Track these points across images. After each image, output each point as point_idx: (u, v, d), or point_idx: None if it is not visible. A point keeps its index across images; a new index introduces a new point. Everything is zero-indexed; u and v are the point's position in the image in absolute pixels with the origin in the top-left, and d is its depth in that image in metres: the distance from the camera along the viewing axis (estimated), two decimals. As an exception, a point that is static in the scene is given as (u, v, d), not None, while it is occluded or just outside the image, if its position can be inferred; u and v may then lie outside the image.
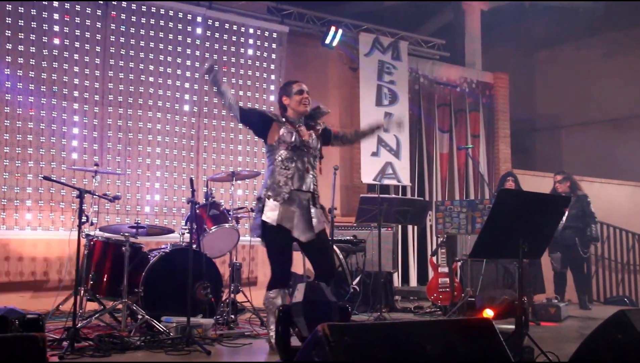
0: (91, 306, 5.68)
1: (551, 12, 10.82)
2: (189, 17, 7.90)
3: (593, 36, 11.58)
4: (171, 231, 6.05)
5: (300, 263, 5.61)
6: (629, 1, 10.15)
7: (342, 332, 2.33)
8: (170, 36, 7.74)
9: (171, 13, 7.77)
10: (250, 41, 8.35)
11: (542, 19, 11.12)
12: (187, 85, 7.80)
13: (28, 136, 6.80)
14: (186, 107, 7.78)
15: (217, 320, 5.31)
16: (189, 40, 7.87)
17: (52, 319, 5.49)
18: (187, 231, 5.47)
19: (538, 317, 6.33)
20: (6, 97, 6.72)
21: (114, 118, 7.32)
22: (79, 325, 4.58)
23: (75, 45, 7.15)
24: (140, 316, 5.01)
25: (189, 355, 4.30)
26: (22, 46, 6.84)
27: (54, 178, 5.86)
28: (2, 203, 6.63)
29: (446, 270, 6.70)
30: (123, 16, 7.45)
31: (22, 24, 6.85)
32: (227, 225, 5.74)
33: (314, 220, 4.48)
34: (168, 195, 7.59)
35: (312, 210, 4.49)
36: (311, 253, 4.55)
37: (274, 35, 8.56)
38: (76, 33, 7.16)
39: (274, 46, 8.55)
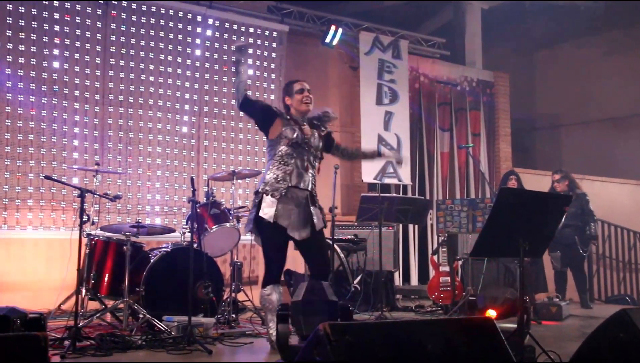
0: (92, 305, 5.69)
1: (551, 11, 10.81)
2: (189, 16, 7.90)
3: (593, 35, 11.58)
4: (172, 231, 6.06)
5: (301, 263, 5.61)
6: (629, 1, 10.13)
7: (343, 331, 2.33)
8: (171, 36, 7.74)
9: (171, 12, 7.78)
10: (251, 40, 8.35)
11: (542, 18, 11.11)
12: (187, 84, 7.80)
13: (29, 135, 6.80)
14: (187, 107, 7.78)
15: (218, 319, 5.31)
16: (189, 39, 7.87)
17: (54, 318, 5.50)
18: (188, 230, 5.47)
19: (539, 316, 6.33)
20: (7, 97, 6.73)
21: (115, 117, 7.33)
22: (81, 324, 4.59)
23: (76, 44, 7.15)
24: (141, 316, 5.02)
25: (190, 354, 4.30)
26: (22, 46, 6.84)
27: (55, 178, 5.86)
28: (4, 202, 6.63)
29: (447, 269, 6.70)
30: (123, 16, 7.45)
31: (23, 23, 6.86)
32: (228, 224, 5.74)
33: (315, 218, 4.48)
34: (169, 194, 7.59)
35: (312, 209, 4.48)
36: (307, 252, 4.55)
37: (274, 34, 8.57)
38: (77, 33, 7.16)
39: (274, 45, 8.55)
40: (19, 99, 6.79)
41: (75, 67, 7.13)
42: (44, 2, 6.98)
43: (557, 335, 5.46)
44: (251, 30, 8.38)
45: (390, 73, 9.43)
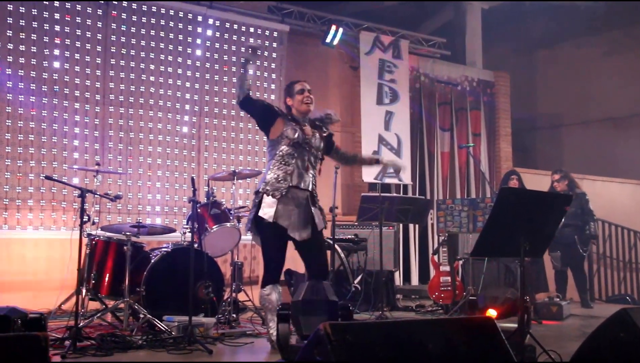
0: (93, 305, 5.69)
1: (551, 11, 10.81)
2: (190, 16, 7.90)
3: (593, 35, 11.57)
4: (172, 231, 6.06)
5: (301, 262, 5.60)
6: (629, 1, 10.13)
7: (343, 330, 2.33)
8: (171, 36, 7.74)
9: (172, 12, 7.78)
10: (251, 40, 8.35)
11: (542, 18, 11.12)
12: (187, 84, 7.80)
13: (30, 135, 6.80)
14: (187, 107, 7.78)
15: (218, 319, 5.32)
16: (189, 39, 7.87)
17: (54, 318, 5.50)
18: (189, 230, 5.47)
19: (540, 316, 6.33)
20: (7, 97, 6.73)
21: (115, 118, 7.33)
22: (81, 324, 4.59)
23: (76, 45, 7.15)
24: (142, 316, 5.02)
25: (191, 354, 4.31)
26: (23, 46, 6.84)
27: (56, 178, 5.86)
28: (4, 202, 6.64)
29: (448, 268, 6.70)
30: (124, 16, 7.45)
31: (23, 23, 6.86)
32: (228, 224, 5.74)
33: (316, 219, 4.47)
34: (169, 194, 7.59)
35: (312, 210, 4.48)
36: (305, 252, 4.53)
37: (275, 34, 8.56)
38: (77, 33, 7.16)
39: (274, 45, 8.55)
40: (20, 99, 6.79)
41: (76, 67, 7.13)
42: (45, 2, 6.98)
43: (558, 334, 5.46)
44: (251, 30, 8.38)
45: (391, 73, 9.43)
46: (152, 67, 7.59)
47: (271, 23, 8.59)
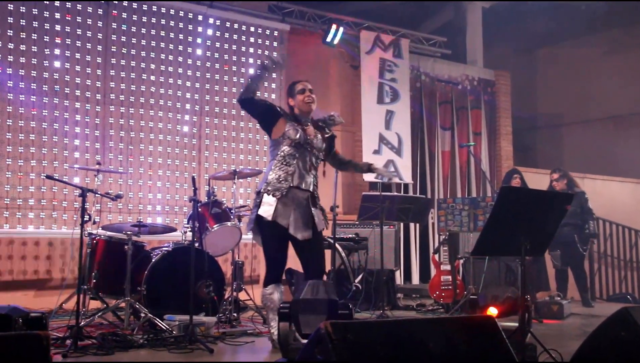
0: (94, 304, 5.70)
1: (551, 10, 10.81)
2: (190, 15, 7.91)
3: (593, 34, 11.57)
4: (173, 230, 6.07)
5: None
6: (630, 0, 10.12)
7: (344, 329, 2.33)
8: (172, 35, 7.75)
9: (172, 12, 7.78)
10: (252, 40, 8.35)
11: (542, 17, 11.11)
12: (188, 84, 7.81)
13: (30, 135, 6.81)
14: (188, 106, 7.78)
15: (219, 318, 5.32)
16: (190, 39, 7.87)
17: (56, 317, 5.50)
18: (189, 229, 5.48)
19: (541, 315, 6.33)
20: (8, 97, 6.73)
21: (116, 117, 7.33)
22: (82, 323, 4.60)
23: (77, 44, 7.15)
24: (143, 315, 5.02)
25: (192, 353, 4.31)
26: (24, 46, 6.84)
27: (57, 177, 5.86)
28: (5, 202, 6.64)
29: (448, 267, 6.71)
30: (124, 15, 7.46)
31: (24, 23, 6.86)
32: (229, 223, 5.74)
33: (315, 219, 4.47)
34: (170, 194, 7.59)
35: (313, 210, 4.48)
36: (304, 253, 4.51)
37: (275, 33, 8.56)
38: (77, 32, 7.16)
39: (275, 44, 8.55)
40: (20, 98, 6.79)
41: (77, 66, 7.14)
42: (45, 1, 6.98)
43: (559, 333, 5.46)
44: (252, 29, 8.38)
45: (392, 72, 9.43)
46: (152, 66, 7.59)
47: (272, 22, 8.59)
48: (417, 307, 7.22)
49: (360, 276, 6.87)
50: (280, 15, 8.77)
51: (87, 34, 7.21)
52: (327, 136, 4.66)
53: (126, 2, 7.47)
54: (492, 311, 5.71)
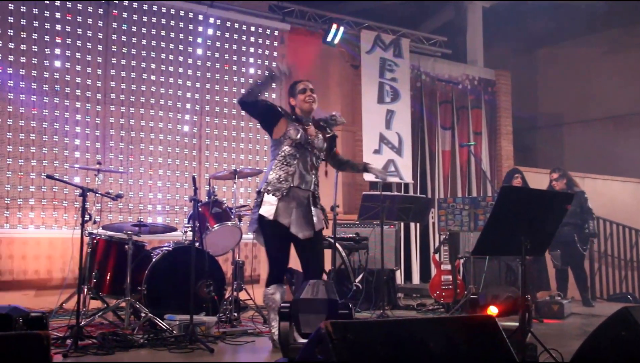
0: (94, 304, 5.70)
1: (552, 10, 10.81)
2: (191, 15, 7.90)
3: (593, 34, 11.58)
4: (174, 229, 6.07)
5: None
6: (630, 0, 10.12)
7: (344, 329, 2.33)
8: (172, 35, 7.75)
9: (172, 11, 7.78)
10: (252, 39, 8.35)
11: (542, 17, 11.11)
12: (188, 83, 7.81)
13: (31, 134, 6.81)
14: (188, 106, 7.78)
15: (220, 318, 5.32)
16: (190, 38, 7.87)
17: (56, 317, 5.50)
18: (190, 229, 5.48)
19: (541, 314, 6.33)
20: (9, 96, 6.73)
21: (116, 117, 7.33)
22: (83, 323, 4.60)
23: (77, 44, 7.15)
24: (143, 314, 5.02)
25: (192, 353, 4.31)
26: (24, 45, 6.84)
27: (57, 177, 5.87)
28: (6, 201, 6.64)
29: (449, 267, 6.70)
30: (124, 15, 7.46)
31: (24, 23, 6.86)
32: (229, 223, 5.74)
33: (314, 219, 4.47)
34: (170, 193, 7.59)
35: (313, 210, 4.48)
36: (305, 252, 4.52)
37: (276, 33, 8.56)
38: (78, 32, 7.16)
39: (275, 43, 8.55)
40: (21, 98, 6.79)
41: (77, 66, 7.14)
42: (46, 1, 6.98)
43: (559, 333, 5.46)
44: (252, 29, 8.37)
45: (392, 72, 9.42)
46: (153, 66, 7.59)
47: (272, 22, 8.58)
48: (418, 307, 7.22)
49: (360, 276, 6.87)
50: (281, 14, 8.76)
51: (88, 34, 7.21)
52: (328, 136, 4.66)
53: (126, 1, 7.47)
54: (493, 310, 5.72)
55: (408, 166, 9.37)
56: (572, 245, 7.59)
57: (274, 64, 4.47)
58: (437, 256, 7.02)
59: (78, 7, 7.18)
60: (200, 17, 7.97)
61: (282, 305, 4.05)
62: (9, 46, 6.76)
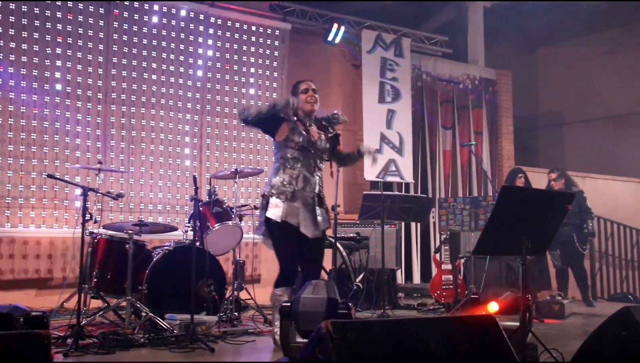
0: (95, 303, 5.70)
1: (552, 10, 10.80)
2: (192, 15, 7.90)
3: (594, 34, 11.57)
4: (174, 229, 6.08)
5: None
6: (630, 0, 10.11)
7: (345, 328, 2.33)
8: (173, 34, 7.75)
9: (173, 11, 7.78)
10: (253, 39, 8.35)
11: (543, 16, 11.11)
12: (189, 83, 7.81)
13: (32, 134, 6.81)
14: (189, 105, 7.78)
15: (220, 318, 5.32)
16: (191, 38, 7.87)
17: (57, 316, 5.51)
18: (191, 228, 5.48)
19: (542, 314, 6.32)
20: (10, 96, 6.74)
21: (117, 116, 7.34)
22: (83, 322, 4.60)
23: (78, 43, 7.16)
24: (144, 314, 5.03)
25: (193, 352, 4.31)
26: (25, 45, 6.85)
27: (58, 176, 5.86)
28: (7, 201, 6.65)
29: (449, 267, 6.70)
30: (125, 14, 7.46)
31: (25, 22, 6.86)
32: (230, 223, 5.74)
33: (319, 218, 4.47)
34: (171, 193, 7.59)
35: (318, 210, 4.48)
36: (309, 252, 4.52)
37: (277, 32, 8.56)
38: (79, 31, 7.16)
39: (276, 43, 8.55)
40: (22, 97, 6.80)
41: (78, 65, 7.14)
42: (47, 1, 6.98)
43: (560, 333, 5.45)
44: (253, 28, 8.38)
45: (393, 71, 9.42)
46: (153, 65, 7.59)
47: (273, 21, 8.58)
48: (418, 306, 7.22)
49: (361, 276, 6.87)
50: (282, 14, 8.76)
51: (89, 33, 7.21)
52: (330, 135, 4.66)
53: (127, 1, 7.48)
54: (493, 306, 5.72)
55: (409, 166, 9.37)
56: (571, 245, 7.59)
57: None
58: (437, 255, 7.02)
59: (79, 7, 7.18)
60: (201, 17, 7.97)
61: (282, 304, 4.05)
62: (10, 45, 6.77)
